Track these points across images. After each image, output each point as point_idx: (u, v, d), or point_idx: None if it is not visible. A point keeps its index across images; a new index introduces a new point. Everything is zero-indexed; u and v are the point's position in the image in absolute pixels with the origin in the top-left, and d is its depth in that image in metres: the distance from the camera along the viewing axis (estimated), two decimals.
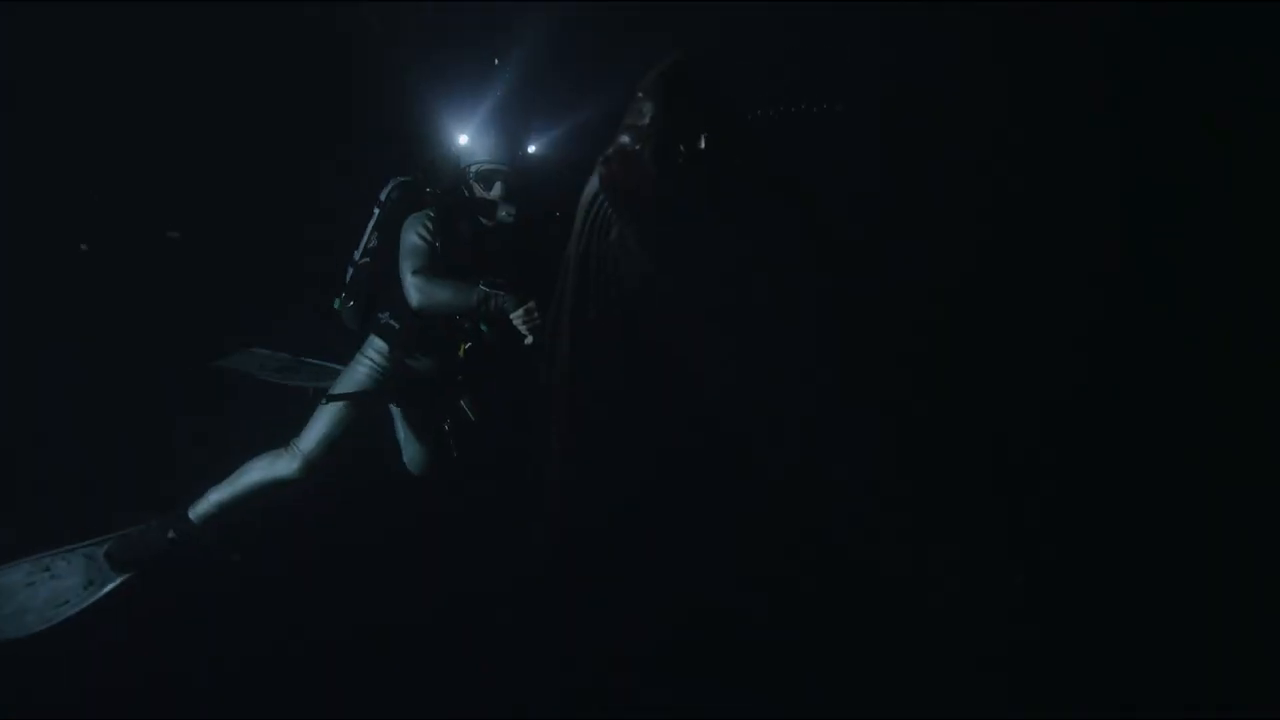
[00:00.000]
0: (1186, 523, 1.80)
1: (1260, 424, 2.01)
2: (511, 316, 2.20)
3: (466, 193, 2.42)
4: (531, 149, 2.53)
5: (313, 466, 2.36)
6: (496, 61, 2.68)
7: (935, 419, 1.50)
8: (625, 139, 1.50)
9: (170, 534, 2.31)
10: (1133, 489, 1.83)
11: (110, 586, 2.20)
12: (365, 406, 2.42)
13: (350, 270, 2.51)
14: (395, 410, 2.62)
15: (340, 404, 2.38)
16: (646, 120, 1.46)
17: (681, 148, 1.48)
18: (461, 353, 2.40)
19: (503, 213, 2.37)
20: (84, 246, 3.01)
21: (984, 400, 1.60)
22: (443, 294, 2.23)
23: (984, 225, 2.53)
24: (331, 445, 2.38)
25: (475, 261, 2.34)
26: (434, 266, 2.29)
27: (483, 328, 2.38)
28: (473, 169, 2.40)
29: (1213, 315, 2.27)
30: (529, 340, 2.18)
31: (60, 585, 2.15)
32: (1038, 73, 2.59)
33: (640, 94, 1.45)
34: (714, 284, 1.56)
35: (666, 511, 1.71)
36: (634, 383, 1.60)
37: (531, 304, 2.17)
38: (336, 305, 2.51)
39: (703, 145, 1.49)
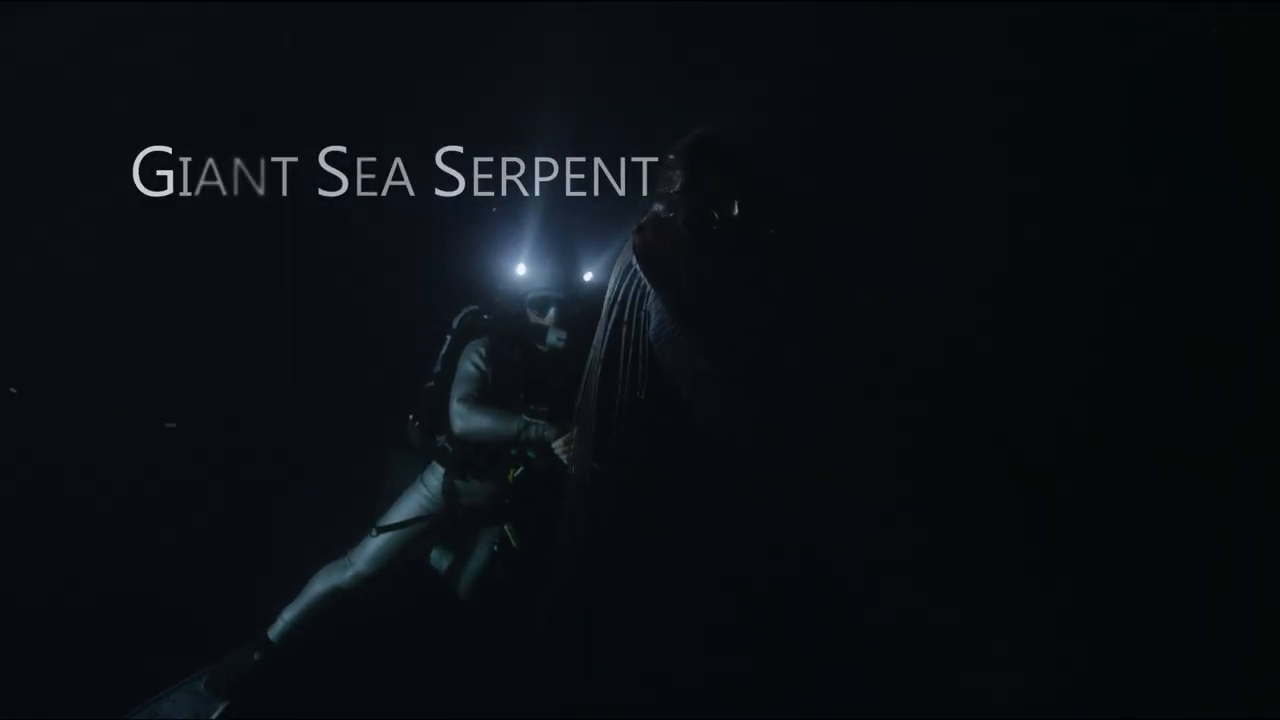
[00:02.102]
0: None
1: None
2: (553, 445, 2.21)
3: (523, 319, 2.49)
4: (587, 276, 2.57)
5: (364, 580, 2.42)
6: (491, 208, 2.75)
7: (974, 483, 1.39)
8: (658, 206, 1.50)
9: (256, 656, 2.40)
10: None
11: (215, 716, 2.31)
12: (418, 530, 2.45)
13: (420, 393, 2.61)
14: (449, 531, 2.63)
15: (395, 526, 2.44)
16: (678, 187, 1.46)
17: (715, 214, 1.47)
18: (511, 478, 2.39)
19: (553, 338, 2.40)
20: (12, 390, 2.98)
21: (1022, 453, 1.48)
22: (483, 422, 2.30)
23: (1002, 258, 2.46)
24: (383, 561, 2.43)
25: (525, 388, 2.37)
26: (482, 394, 2.36)
27: (529, 454, 2.37)
28: (528, 295, 2.48)
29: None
30: (572, 470, 2.15)
31: None
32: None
33: (672, 160, 1.45)
34: (748, 352, 1.51)
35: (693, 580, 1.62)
36: (665, 453, 1.53)
37: (572, 433, 2.14)
38: (408, 425, 2.59)
39: (736, 211, 1.47)
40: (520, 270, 2.53)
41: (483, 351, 2.42)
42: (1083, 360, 2.35)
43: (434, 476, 2.48)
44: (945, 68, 2.66)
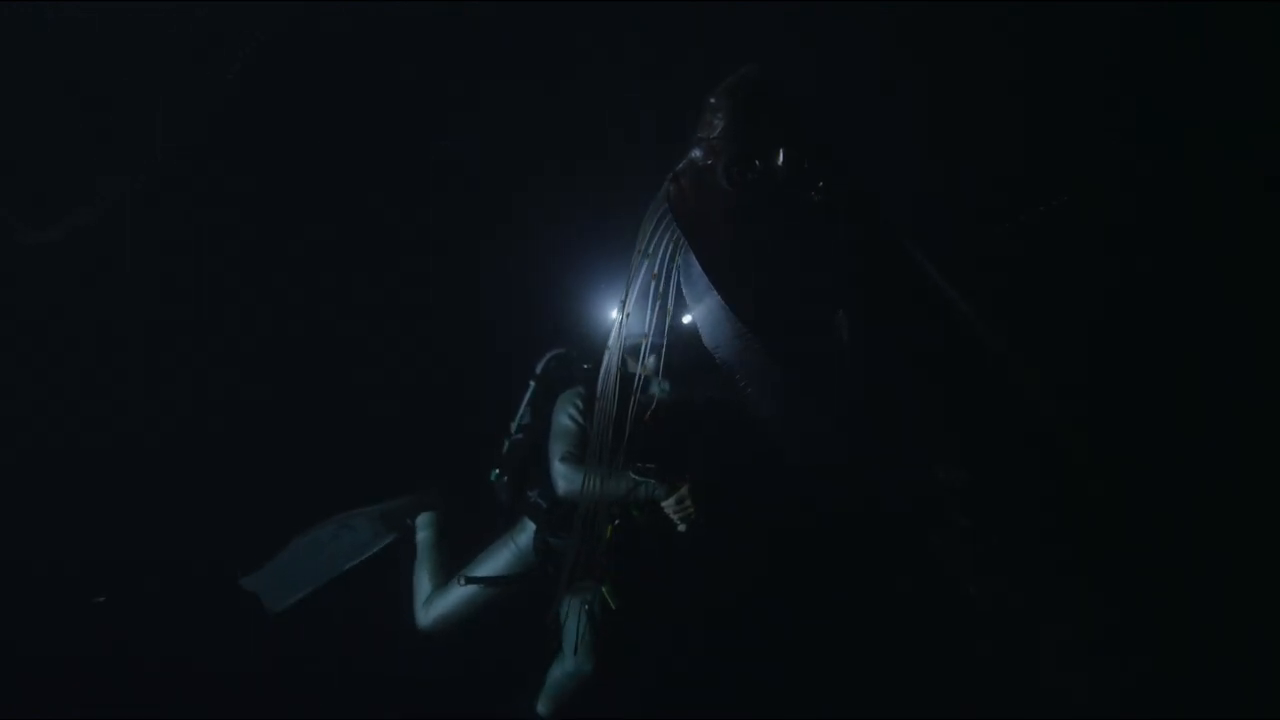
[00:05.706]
0: None
1: None
2: (663, 505, 2.08)
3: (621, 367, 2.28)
4: (686, 319, 2.41)
5: (439, 626, 2.41)
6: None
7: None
8: (696, 153, 1.40)
9: (409, 521, 2.65)
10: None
11: (386, 540, 2.74)
12: (502, 590, 2.37)
13: (506, 444, 2.51)
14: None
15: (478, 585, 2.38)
16: (718, 132, 1.36)
17: (756, 163, 1.37)
18: (609, 534, 2.20)
19: (655, 388, 2.20)
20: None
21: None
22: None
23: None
24: (461, 616, 2.40)
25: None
26: (583, 451, 2.20)
27: (633, 511, 2.21)
28: (626, 341, 2.22)
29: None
30: (682, 528, 2.05)
31: (358, 538, 2.76)
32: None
33: (712, 104, 1.35)
34: (787, 313, 1.41)
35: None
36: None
37: (684, 490, 2.04)
38: (492, 478, 2.50)
39: (780, 161, 1.36)
40: (615, 313, 2.39)
41: (579, 404, 2.28)
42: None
43: (524, 534, 2.36)
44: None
